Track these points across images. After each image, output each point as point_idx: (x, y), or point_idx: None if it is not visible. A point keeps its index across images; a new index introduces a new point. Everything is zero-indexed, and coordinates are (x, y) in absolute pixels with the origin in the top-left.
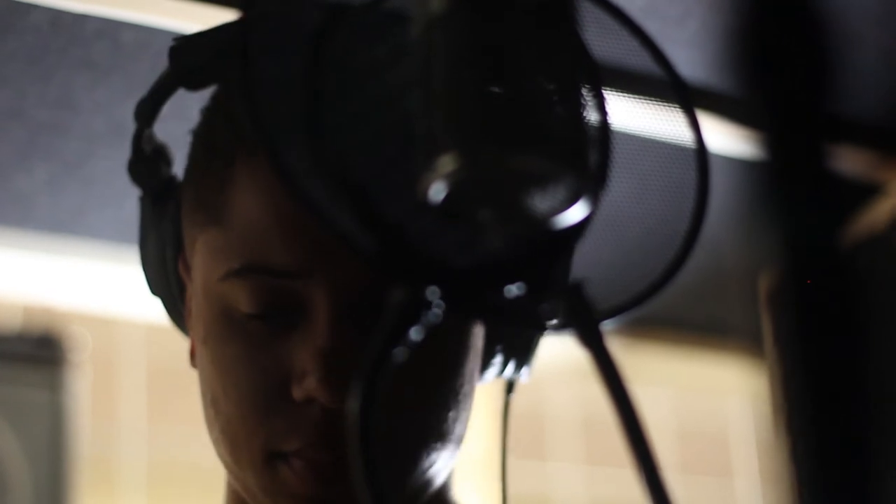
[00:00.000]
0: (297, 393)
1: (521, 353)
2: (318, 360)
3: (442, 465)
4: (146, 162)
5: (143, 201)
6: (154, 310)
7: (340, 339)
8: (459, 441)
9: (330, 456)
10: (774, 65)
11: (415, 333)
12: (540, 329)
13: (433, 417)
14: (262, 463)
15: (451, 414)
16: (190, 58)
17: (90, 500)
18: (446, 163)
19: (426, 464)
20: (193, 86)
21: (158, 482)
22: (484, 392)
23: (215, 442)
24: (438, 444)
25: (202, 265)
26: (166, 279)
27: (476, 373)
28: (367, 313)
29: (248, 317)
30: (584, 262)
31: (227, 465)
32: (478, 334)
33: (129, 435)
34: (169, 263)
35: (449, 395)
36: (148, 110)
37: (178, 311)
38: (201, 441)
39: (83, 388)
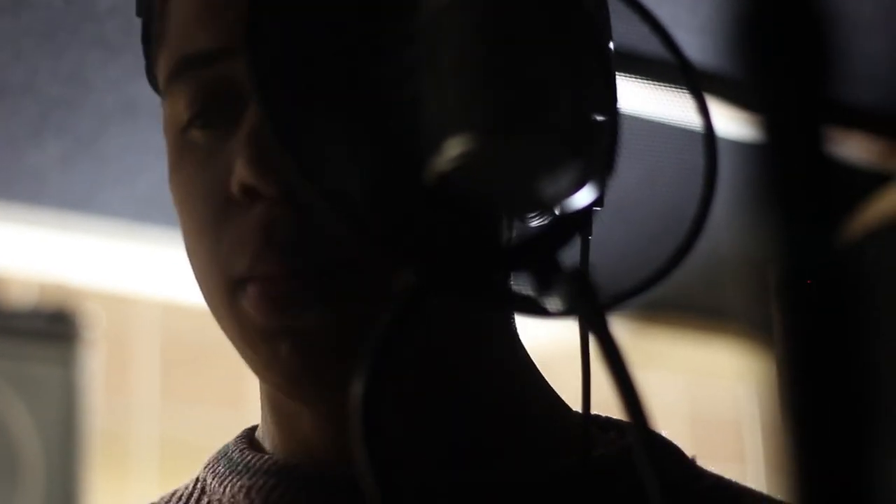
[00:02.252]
0: (233, 186)
1: None
2: (247, 140)
3: None
4: None
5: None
6: (168, 288)
7: None
8: None
9: (281, 269)
10: (779, 50)
11: (417, 319)
12: (545, 315)
13: None
14: (226, 299)
15: None
16: None
17: (102, 477)
18: (453, 146)
19: None
20: None
21: (170, 459)
22: None
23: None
24: None
25: (164, 101)
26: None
27: None
28: None
29: (192, 127)
30: (591, 247)
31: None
32: None
33: (142, 412)
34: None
35: None
36: None
37: None
38: (214, 419)
39: (96, 364)
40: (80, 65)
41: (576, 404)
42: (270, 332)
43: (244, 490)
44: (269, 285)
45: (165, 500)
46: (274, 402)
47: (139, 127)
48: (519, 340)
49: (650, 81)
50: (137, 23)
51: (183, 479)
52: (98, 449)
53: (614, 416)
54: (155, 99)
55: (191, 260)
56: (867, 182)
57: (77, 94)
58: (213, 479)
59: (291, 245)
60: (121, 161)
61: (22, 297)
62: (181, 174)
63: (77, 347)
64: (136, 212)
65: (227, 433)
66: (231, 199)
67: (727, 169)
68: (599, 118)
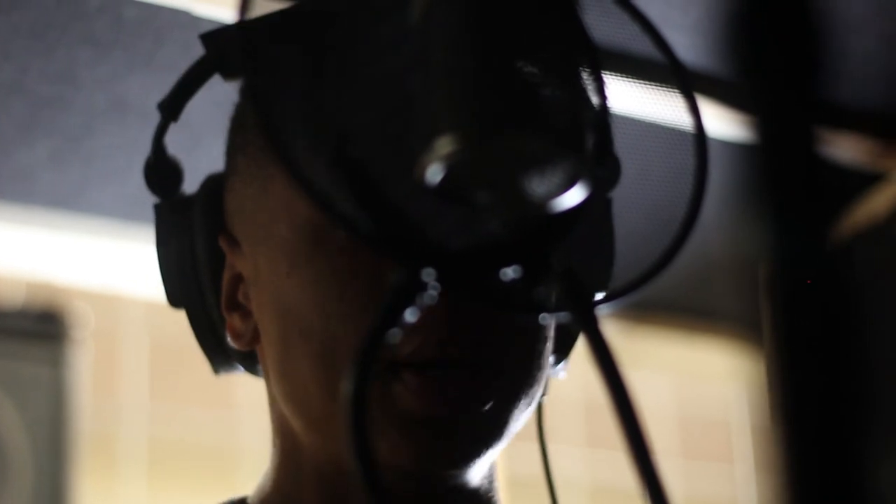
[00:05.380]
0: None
1: (565, 349)
2: None
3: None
4: (167, 164)
5: (161, 209)
6: (157, 287)
7: None
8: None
9: (452, 356)
10: (771, 50)
11: (410, 315)
12: (535, 313)
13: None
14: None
15: (531, 391)
16: (225, 44)
17: (91, 477)
18: (445, 144)
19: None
20: (230, 73)
21: (159, 459)
22: None
23: (299, 382)
24: (513, 420)
25: (286, 203)
26: (195, 279)
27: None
28: None
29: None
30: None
31: (309, 409)
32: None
33: (131, 412)
34: (200, 257)
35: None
36: (176, 102)
37: (206, 314)
38: (202, 419)
39: (85, 364)
40: (69, 63)
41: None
42: (421, 419)
43: None
44: (435, 373)
45: None
46: (328, 481)
47: (129, 125)
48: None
49: (641, 81)
50: (127, 21)
51: (171, 479)
52: (86, 448)
53: None
54: (145, 97)
55: (310, 346)
56: (857, 182)
57: (66, 92)
58: None
59: (469, 339)
60: (110, 160)
61: (9, 297)
62: (327, 264)
63: (65, 347)
64: (126, 210)
65: (215, 433)
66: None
67: (717, 169)
68: (589, 117)
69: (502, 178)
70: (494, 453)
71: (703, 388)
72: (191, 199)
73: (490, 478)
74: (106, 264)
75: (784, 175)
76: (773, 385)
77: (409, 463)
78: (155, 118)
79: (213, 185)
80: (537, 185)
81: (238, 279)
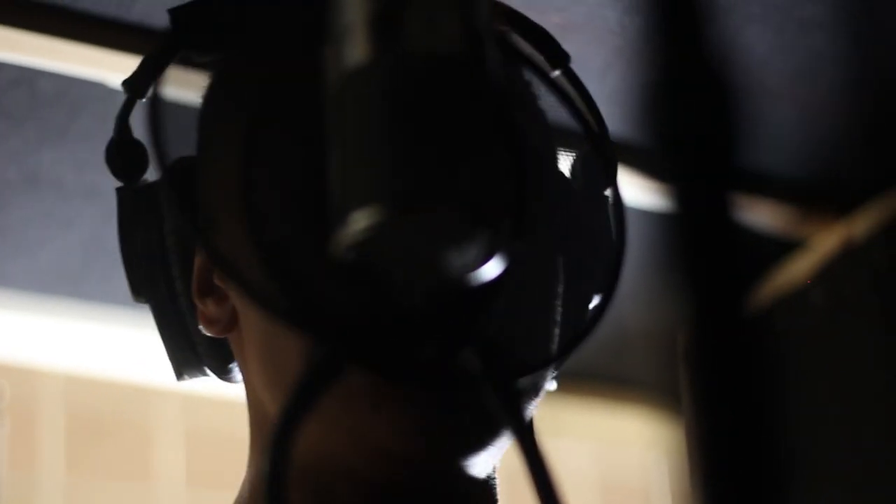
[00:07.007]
0: None
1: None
2: None
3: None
4: (132, 146)
5: (124, 194)
6: (73, 360)
7: None
8: None
9: None
10: (687, 118)
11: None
12: (454, 387)
13: None
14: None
15: None
16: (196, 19)
17: None
18: (359, 219)
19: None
20: (200, 47)
21: None
22: None
23: (286, 366)
24: None
25: None
26: (162, 268)
27: None
28: None
29: None
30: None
31: (265, 396)
32: None
33: (48, 485)
34: (170, 243)
35: None
36: (142, 78)
37: (173, 305)
38: (119, 493)
39: (1, 438)
40: None
41: None
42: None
43: None
44: None
45: None
46: (311, 470)
47: (41, 198)
48: None
49: (561, 150)
50: (41, 94)
51: None
52: None
53: None
54: (58, 170)
55: (254, 337)
56: (776, 249)
57: None
58: None
59: None
60: (23, 233)
61: None
62: None
63: None
64: (39, 284)
65: None
66: None
67: (634, 237)
68: (507, 189)
69: (419, 252)
70: (505, 442)
71: (622, 456)
72: (156, 184)
73: (494, 477)
74: (21, 338)
75: (701, 243)
76: (691, 452)
77: (417, 447)
78: (68, 191)
79: (184, 164)
80: (454, 259)
81: None
